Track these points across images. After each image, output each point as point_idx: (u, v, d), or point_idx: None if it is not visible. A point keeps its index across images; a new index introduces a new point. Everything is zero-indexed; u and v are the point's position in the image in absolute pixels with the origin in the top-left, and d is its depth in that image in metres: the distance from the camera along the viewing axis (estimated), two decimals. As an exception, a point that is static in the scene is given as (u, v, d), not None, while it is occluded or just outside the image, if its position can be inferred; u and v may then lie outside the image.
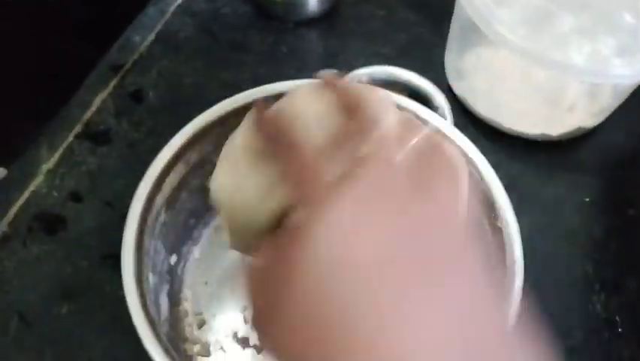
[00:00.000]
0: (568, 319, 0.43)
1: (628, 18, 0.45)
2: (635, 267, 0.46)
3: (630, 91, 0.48)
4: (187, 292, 0.41)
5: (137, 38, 0.56)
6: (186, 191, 0.40)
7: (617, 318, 0.44)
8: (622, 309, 0.44)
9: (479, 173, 0.38)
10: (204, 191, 0.34)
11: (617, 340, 0.43)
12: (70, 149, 0.48)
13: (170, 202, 0.39)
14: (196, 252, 0.43)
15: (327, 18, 0.59)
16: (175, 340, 0.38)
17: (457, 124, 0.52)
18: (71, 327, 0.40)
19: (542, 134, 0.50)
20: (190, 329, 0.40)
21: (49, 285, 0.42)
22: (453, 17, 0.50)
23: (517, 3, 0.45)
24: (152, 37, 0.56)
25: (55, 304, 0.41)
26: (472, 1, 0.44)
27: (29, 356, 0.39)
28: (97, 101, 0.51)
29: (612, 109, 0.50)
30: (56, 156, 0.48)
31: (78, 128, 0.49)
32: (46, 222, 0.45)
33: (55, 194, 0.46)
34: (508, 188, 0.48)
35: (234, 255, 0.33)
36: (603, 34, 0.44)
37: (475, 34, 0.45)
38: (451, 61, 0.53)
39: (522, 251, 0.35)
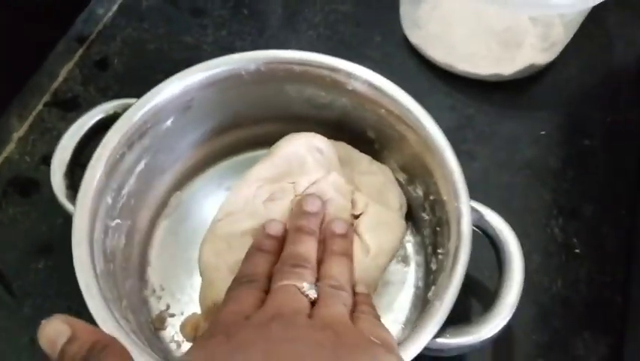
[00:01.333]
0: (527, 244, 0.45)
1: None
2: (590, 193, 0.48)
3: (579, 22, 0.50)
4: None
5: (100, 10, 0.57)
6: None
7: (574, 241, 0.46)
8: (579, 233, 0.46)
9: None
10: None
11: (574, 261, 0.45)
12: (40, 117, 0.50)
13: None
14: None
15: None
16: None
17: (413, 72, 0.54)
18: (49, 280, 0.42)
19: (496, 75, 0.51)
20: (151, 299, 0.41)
21: (26, 243, 0.44)
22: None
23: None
24: (115, 8, 0.57)
25: (32, 260, 0.43)
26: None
27: (10, 308, 0.41)
28: (64, 72, 0.52)
29: (563, 44, 0.51)
30: (26, 124, 0.49)
31: (47, 97, 0.51)
32: (20, 186, 0.46)
33: (28, 159, 0.47)
34: (465, 127, 0.51)
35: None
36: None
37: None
38: (406, 12, 0.54)
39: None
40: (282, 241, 0.36)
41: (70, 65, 0.53)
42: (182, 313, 0.40)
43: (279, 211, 0.39)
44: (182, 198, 0.44)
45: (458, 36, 0.50)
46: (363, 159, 0.43)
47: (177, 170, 0.43)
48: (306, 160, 0.40)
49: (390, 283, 0.42)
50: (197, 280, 0.39)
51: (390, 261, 0.40)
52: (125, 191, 0.38)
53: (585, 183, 0.49)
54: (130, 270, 0.39)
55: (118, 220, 0.37)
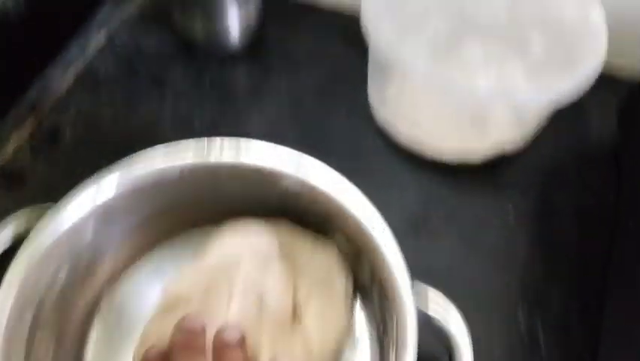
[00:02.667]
0: (490, 336, 0.43)
1: (537, 41, 0.46)
2: (558, 281, 0.47)
3: (548, 111, 0.49)
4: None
5: (56, 77, 0.55)
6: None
7: (539, 332, 0.44)
8: (544, 324, 0.44)
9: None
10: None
11: (539, 355, 0.43)
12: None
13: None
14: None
15: (251, 52, 0.59)
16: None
17: (379, 150, 0.53)
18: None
19: (464, 159, 0.50)
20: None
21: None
22: (369, 48, 0.51)
23: (425, 32, 0.46)
24: (72, 75, 0.55)
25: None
26: (377, 33, 0.44)
27: None
28: (12, 142, 0.50)
29: (532, 131, 0.51)
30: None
31: (-8, 169, 0.48)
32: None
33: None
34: (430, 208, 0.49)
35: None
36: (512, 58, 0.45)
37: (388, 65, 0.46)
38: (373, 89, 0.53)
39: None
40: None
41: (20, 135, 0.51)
42: None
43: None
44: (114, 296, 0.41)
45: (425, 118, 0.49)
46: (307, 238, 0.41)
47: (106, 267, 0.40)
48: (242, 260, 0.38)
49: None
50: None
51: (339, 353, 0.38)
52: (48, 303, 0.35)
53: (553, 271, 0.47)
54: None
55: (42, 334, 0.34)
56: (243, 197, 0.41)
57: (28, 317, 0.33)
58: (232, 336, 0.32)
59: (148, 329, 0.37)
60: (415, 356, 0.32)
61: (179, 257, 0.40)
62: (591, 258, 0.48)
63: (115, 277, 0.41)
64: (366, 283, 0.40)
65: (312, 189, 0.37)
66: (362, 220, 0.36)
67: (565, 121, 0.55)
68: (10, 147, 0.50)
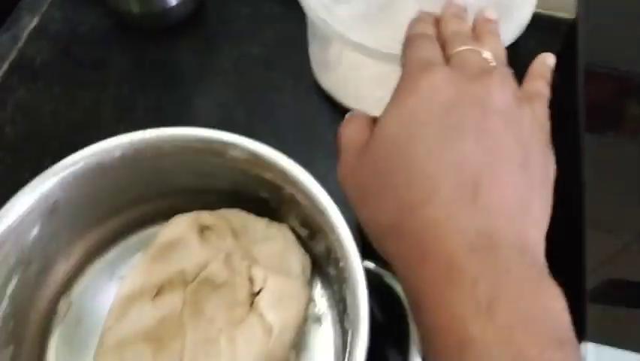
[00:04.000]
0: None
1: (472, 2, 0.45)
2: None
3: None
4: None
5: (-12, 71, 0.53)
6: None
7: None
8: None
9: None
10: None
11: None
12: None
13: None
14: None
15: (191, 24, 0.57)
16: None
17: (325, 117, 0.52)
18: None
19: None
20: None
21: None
22: (306, 15, 0.50)
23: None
24: (5, 67, 0.53)
25: None
26: (308, 1, 0.43)
27: None
28: (-52, 145, 0.48)
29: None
30: None
31: None
32: None
33: None
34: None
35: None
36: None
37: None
38: (315, 55, 0.52)
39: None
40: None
41: (-44, 136, 0.49)
42: None
43: (171, 308, 0.36)
44: (70, 301, 0.41)
45: (363, 82, 0.48)
46: (259, 224, 0.41)
47: (58, 273, 0.40)
48: (190, 244, 0.38)
49: (308, 348, 0.40)
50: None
51: (297, 333, 0.39)
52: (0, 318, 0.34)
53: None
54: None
55: None
56: (190, 185, 0.41)
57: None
58: (489, 14, 0.39)
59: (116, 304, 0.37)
60: (368, 332, 0.32)
61: (133, 258, 0.40)
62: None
63: (70, 282, 0.41)
64: (323, 264, 0.41)
65: (261, 158, 0.37)
66: (312, 194, 0.36)
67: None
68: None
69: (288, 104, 0.52)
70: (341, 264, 0.35)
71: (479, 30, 0.38)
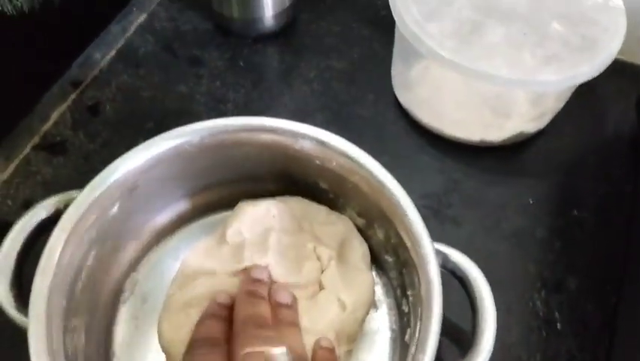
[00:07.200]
0: (508, 317, 0.44)
1: (557, 28, 0.46)
2: (576, 266, 0.47)
3: (570, 92, 0.50)
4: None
5: (98, 55, 0.58)
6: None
7: (556, 316, 0.45)
8: (562, 308, 0.45)
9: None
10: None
11: (555, 337, 0.44)
12: (26, 160, 0.50)
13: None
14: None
15: (283, 34, 0.61)
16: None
17: (402, 132, 0.54)
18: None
19: (484, 141, 0.51)
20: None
21: None
22: (395, 32, 0.52)
23: (447, 16, 0.47)
24: (112, 53, 0.58)
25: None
26: (402, 17, 0.46)
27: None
28: (55, 115, 0.53)
29: (554, 113, 0.51)
30: (12, 166, 0.49)
31: (35, 140, 0.51)
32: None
33: (10, 203, 0.47)
34: (452, 191, 0.50)
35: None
36: (532, 44, 0.46)
37: (413, 48, 0.47)
38: (397, 73, 0.54)
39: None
40: (232, 310, 0.36)
41: (62, 108, 0.53)
42: None
43: (230, 281, 0.38)
44: (138, 279, 0.43)
45: (447, 101, 0.50)
46: (321, 211, 0.43)
47: (128, 252, 0.42)
48: (261, 227, 0.40)
49: (365, 332, 0.41)
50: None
51: (368, 313, 0.40)
52: (78, 288, 0.36)
53: (571, 256, 0.48)
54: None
55: (75, 319, 0.35)
56: (253, 173, 0.43)
57: (63, 302, 0.34)
58: (286, 297, 0.37)
59: (182, 271, 0.39)
60: (441, 313, 0.33)
61: (196, 240, 0.42)
62: (608, 246, 0.48)
63: (138, 261, 0.43)
64: (380, 251, 0.42)
65: (329, 147, 0.39)
66: (380, 180, 0.38)
67: (584, 110, 0.56)
68: (53, 120, 0.53)
69: (366, 116, 0.55)
70: (408, 245, 0.36)
71: (278, 318, 0.35)
